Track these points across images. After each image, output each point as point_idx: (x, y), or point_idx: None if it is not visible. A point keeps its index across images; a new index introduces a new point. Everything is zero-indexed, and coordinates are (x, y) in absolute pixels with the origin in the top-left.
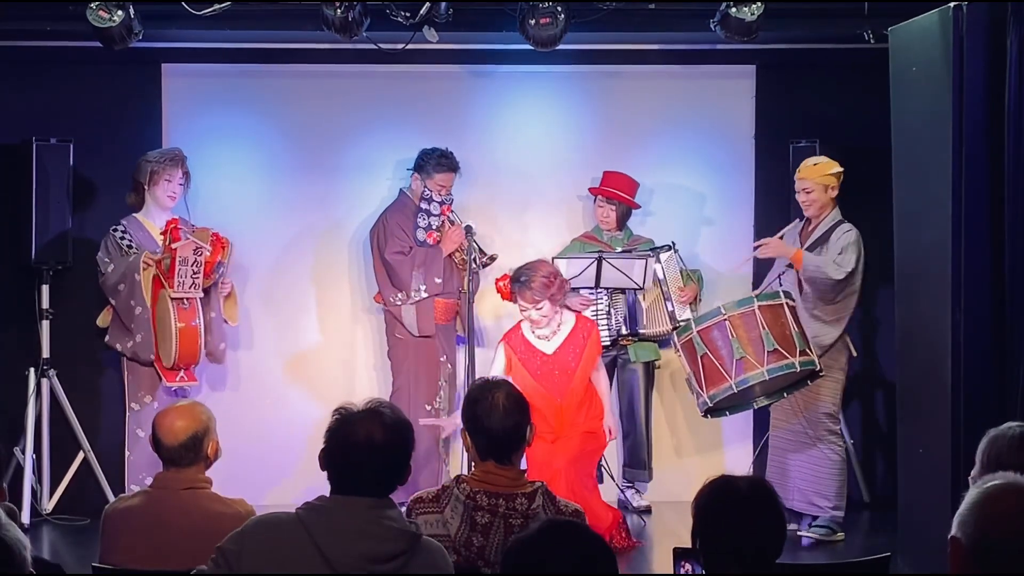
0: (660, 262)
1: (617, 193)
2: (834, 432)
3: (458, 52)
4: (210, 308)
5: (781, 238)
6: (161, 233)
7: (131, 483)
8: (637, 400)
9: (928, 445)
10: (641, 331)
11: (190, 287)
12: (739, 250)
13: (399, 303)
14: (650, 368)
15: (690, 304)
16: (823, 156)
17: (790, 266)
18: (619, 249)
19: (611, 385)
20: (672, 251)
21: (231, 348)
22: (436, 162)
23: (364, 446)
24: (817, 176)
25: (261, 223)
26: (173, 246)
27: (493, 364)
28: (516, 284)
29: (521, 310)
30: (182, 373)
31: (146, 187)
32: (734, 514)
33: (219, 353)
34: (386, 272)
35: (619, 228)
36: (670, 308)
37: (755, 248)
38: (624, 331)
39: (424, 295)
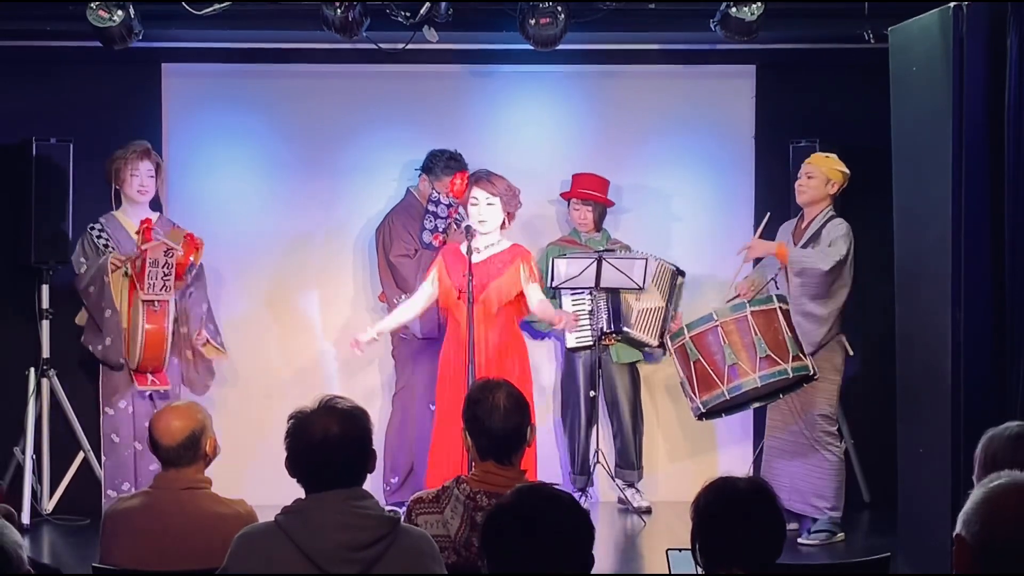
0: (642, 259)
1: (593, 194)
2: (831, 433)
3: (458, 52)
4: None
5: (761, 236)
6: (136, 233)
7: (108, 489)
8: (621, 401)
9: (928, 445)
10: (626, 329)
11: (160, 289)
12: (738, 250)
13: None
14: (634, 369)
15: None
16: (835, 155)
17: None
18: (600, 249)
19: (598, 386)
20: (682, 280)
21: (235, 346)
22: (445, 164)
23: (322, 442)
24: (824, 165)
25: (261, 223)
26: (143, 247)
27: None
28: (478, 173)
29: (471, 204)
30: (152, 377)
31: (116, 186)
32: (733, 514)
33: (200, 384)
34: (391, 273)
35: (596, 229)
36: (666, 326)
37: (741, 253)
38: (608, 329)
39: None
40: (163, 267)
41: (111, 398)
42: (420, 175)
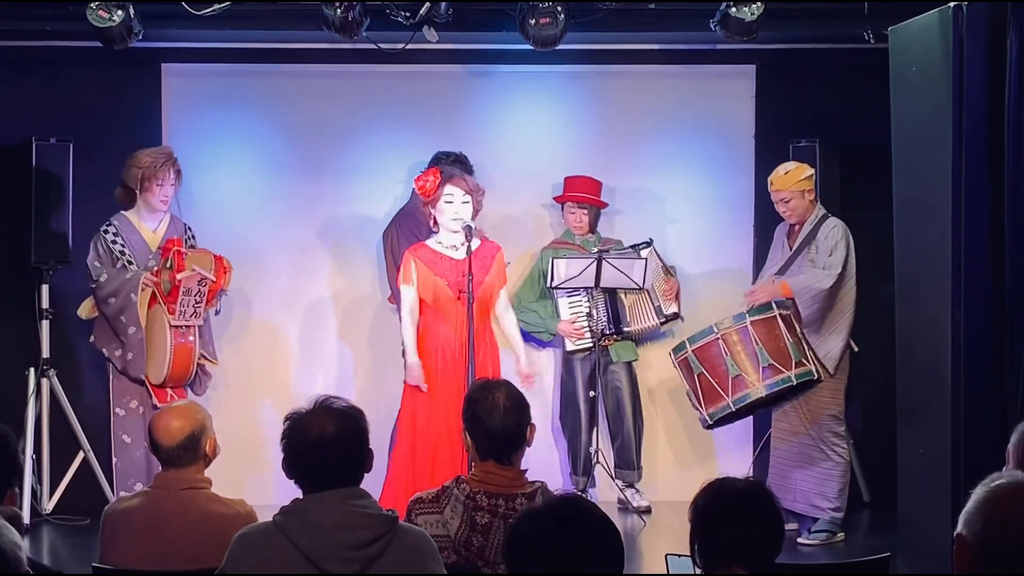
0: (642, 259)
1: (589, 197)
2: (838, 434)
3: (458, 52)
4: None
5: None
6: (160, 248)
7: (120, 490)
8: (623, 400)
9: (928, 445)
10: (626, 329)
11: (191, 316)
12: (739, 250)
13: None
14: (631, 368)
15: (675, 298)
16: (791, 162)
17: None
18: (594, 250)
19: (597, 387)
20: (651, 247)
21: (238, 347)
22: (451, 165)
23: (318, 441)
24: (792, 184)
25: (260, 223)
26: (178, 276)
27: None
28: (449, 171)
29: (445, 201)
30: (171, 392)
31: (137, 191)
32: (732, 514)
33: (199, 386)
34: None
35: (592, 231)
36: (656, 303)
37: (746, 297)
38: (608, 331)
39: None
40: (195, 295)
41: (122, 398)
42: None
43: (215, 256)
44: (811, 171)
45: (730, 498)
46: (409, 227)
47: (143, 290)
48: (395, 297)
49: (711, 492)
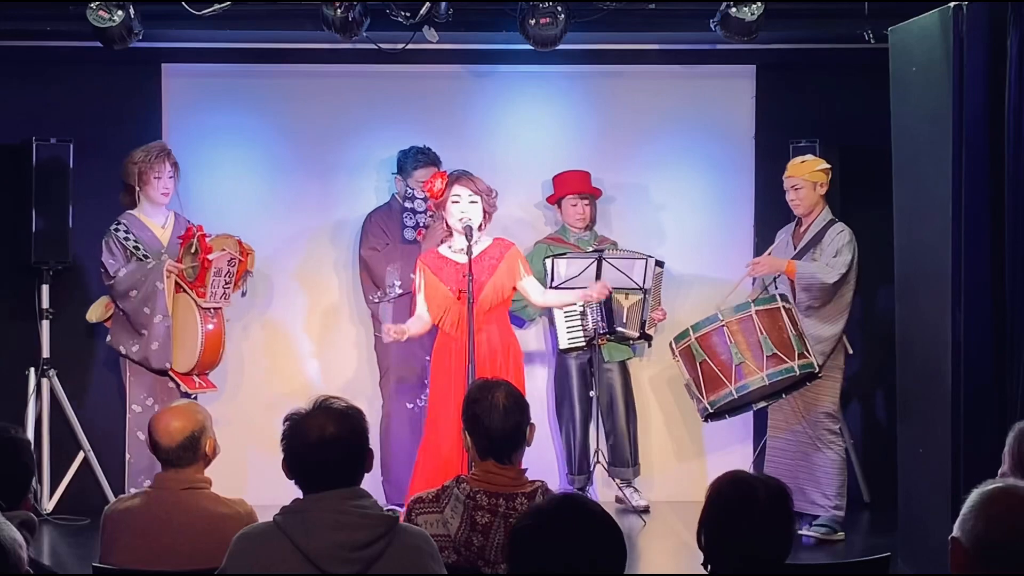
0: (642, 259)
1: (589, 188)
2: (834, 432)
3: (458, 52)
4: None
5: (770, 253)
6: (179, 238)
7: (131, 487)
8: (616, 399)
9: (928, 445)
10: (620, 329)
11: (220, 297)
12: (739, 250)
13: (376, 301)
14: (624, 366)
15: (654, 324)
16: (809, 155)
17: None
18: (590, 249)
19: (592, 386)
20: (661, 268)
21: (239, 347)
22: (414, 159)
23: (319, 442)
24: (806, 173)
25: (260, 223)
26: (209, 257)
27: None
28: (456, 172)
29: (452, 202)
30: (199, 380)
31: (137, 188)
32: (750, 523)
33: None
34: (362, 269)
35: (592, 222)
36: (645, 316)
37: (748, 267)
38: (601, 330)
39: (399, 291)
40: (225, 276)
41: (138, 395)
42: (395, 177)
43: (238, 240)
44: (828, 165)
45: (750, 508)
46: (379, 220)
47: (168, 277)
48: (364, 289)
49: (732, 498)
